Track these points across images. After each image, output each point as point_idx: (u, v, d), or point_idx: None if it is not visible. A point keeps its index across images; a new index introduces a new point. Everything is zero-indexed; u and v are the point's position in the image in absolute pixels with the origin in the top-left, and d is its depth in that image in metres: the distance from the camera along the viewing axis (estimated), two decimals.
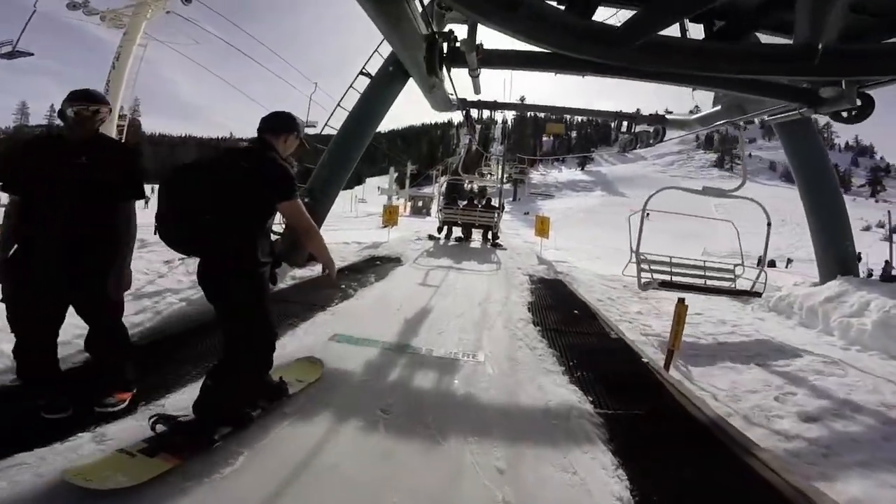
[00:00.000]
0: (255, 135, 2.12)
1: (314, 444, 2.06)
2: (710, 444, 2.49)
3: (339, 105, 6.92)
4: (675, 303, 3.91)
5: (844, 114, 5.19)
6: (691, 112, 9.18)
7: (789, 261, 28.62)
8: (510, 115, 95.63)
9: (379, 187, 49.26)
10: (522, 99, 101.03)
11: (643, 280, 5.06)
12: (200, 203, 1.85)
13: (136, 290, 4.24)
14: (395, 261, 8.08)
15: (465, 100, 9.83)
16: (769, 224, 5.10)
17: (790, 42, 4.20)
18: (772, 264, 25.96)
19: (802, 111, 5.38)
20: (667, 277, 5.16)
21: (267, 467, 1.85)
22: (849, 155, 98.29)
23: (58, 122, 2.29)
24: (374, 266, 7.43)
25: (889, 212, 33.80)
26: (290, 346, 3.32)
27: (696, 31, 4.60)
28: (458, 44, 4.96)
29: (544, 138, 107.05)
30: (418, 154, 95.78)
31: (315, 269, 6.57)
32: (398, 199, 47.03)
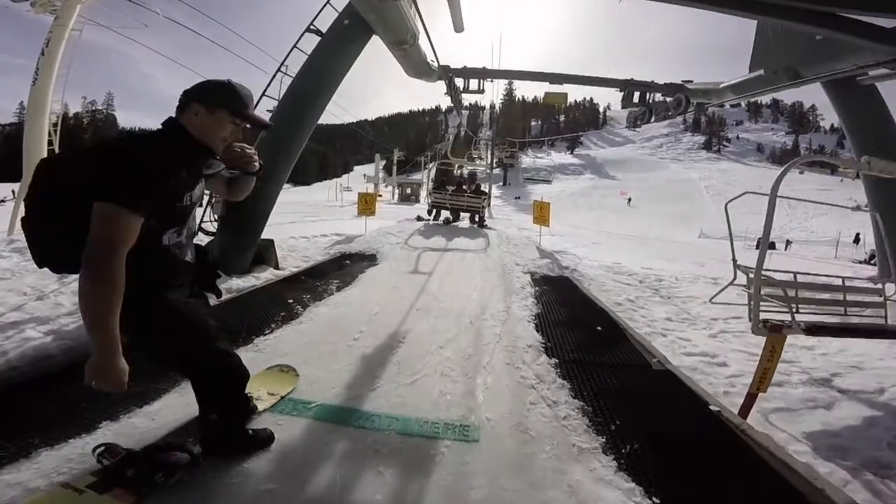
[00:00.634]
0: None
1: None
2: None
3: (280, 70, 5.40)
4: (766, 335, 2.65)
5: None
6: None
7: (788, 242, 27.76)
8: (498, 99, 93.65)
9: (365, 175, 47.79)
10: (510, 83, 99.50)
11: (761, 317, 2.82)
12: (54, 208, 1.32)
13: None
14: (369, 259, 6.74)
15: (447, 67, 8.42)
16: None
17: None
18: (771, 246, 25.12)
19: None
20: (801, 312, 3.09)
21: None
22: (834, 136, 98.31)
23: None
24: (342, 267, 6.09)
25: None
26: (162, 416, 2.05)
27: None
28: None
29: (532, 123, 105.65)
30: (406, 141, 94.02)
31: (262, 276, 5.23)
32: (386, 186, 45.77)
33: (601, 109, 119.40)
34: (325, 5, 5.57)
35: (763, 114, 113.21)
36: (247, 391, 1.85)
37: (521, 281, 5.64)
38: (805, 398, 3.20)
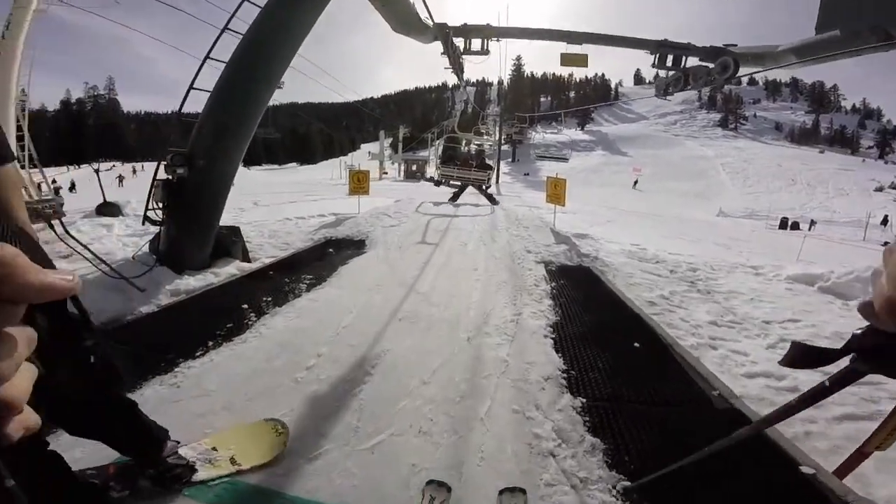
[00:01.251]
0: None
1: None
2: None
3: (226, 28, 4.36)
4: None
5: None
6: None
7: (813, 222, 26.41)
8: (506, 75, 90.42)
9: (370, 152, 46.74)
10: (518, 58, 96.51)
11: None
12: None
13: None
14: (356, 246, 5.86)
15: (444, 24, 7.33)
16: None
17: None
18: (795, 226, 23.84)
19: None
20: None
21: None
22: (856, 117, 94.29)
23: None
24: (322, 257, 5.23)
25: None
26: None
27: None
28: None
29: (542, 99, 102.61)
30: (412, 118, 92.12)
31: (223, 272, 4.41)
32: (392, 163, 44.86)
33: (612, 85, 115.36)
34: None
35: (782, 92, 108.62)
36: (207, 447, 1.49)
37: (534, 275, 4.72)
38: None
